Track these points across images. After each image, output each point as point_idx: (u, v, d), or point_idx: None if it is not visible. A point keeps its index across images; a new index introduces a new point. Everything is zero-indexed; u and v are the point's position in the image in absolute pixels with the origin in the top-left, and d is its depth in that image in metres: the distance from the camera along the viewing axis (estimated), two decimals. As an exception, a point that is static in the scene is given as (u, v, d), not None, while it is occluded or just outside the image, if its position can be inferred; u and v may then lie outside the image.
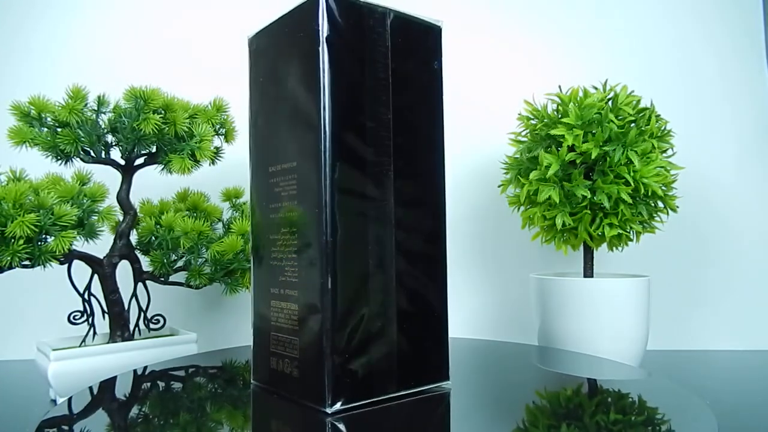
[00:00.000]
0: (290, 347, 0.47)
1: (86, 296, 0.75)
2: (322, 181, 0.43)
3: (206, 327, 0.99)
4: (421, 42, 0.49)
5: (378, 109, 0.46)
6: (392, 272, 0.46)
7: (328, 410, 0.42)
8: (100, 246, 0.74)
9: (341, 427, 0.41)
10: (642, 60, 1.05)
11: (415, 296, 0.48)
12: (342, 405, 0.43)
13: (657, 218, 0.80)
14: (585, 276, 0.82)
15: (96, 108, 0.73)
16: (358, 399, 0.44)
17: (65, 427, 0.43)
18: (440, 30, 0.51)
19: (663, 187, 0.77)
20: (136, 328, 0.77)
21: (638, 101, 0.78)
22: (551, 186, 0.76)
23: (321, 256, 0.43)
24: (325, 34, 0.44)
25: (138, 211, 0.79)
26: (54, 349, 0.67)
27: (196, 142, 0.74)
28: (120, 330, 0.75)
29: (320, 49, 0.44)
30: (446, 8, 1.07)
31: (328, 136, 0.43)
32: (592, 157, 0.73)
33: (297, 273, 0.46)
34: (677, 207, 0.80)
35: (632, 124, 0.77)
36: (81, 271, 0.74)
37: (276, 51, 0.49)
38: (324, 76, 0.43)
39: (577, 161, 0.76)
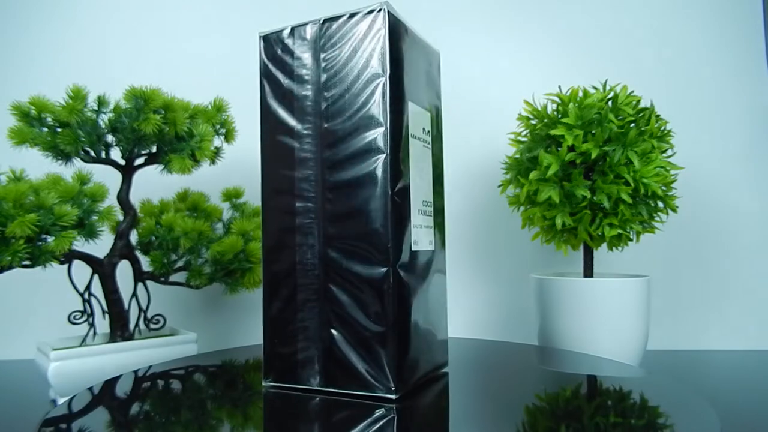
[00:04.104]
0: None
1: (86, 296, 0.75)
2: (261, 201, 0.53)
3: (206, 327, 0.99)
4: (365, 36, 0.48)
5: (305, 119, 0.50)
6: (319, 275, 0.50)
7: (263, 383, 0.52)
8: (100, 246, 0.74)
9: (261, 396, 0.50)
10: (642, 60, 1.05)
11: (352, 301, 0.48)
12: (271, 382, 0.51)
13: (657, 218, 0.80)
14: (585, 276, 0.82)
15: (96, 108, 0.73)
16: (285, 381, 0.51)
17: (65, 427, 0.43)
18: (381, 10, 0.47)
19: (663, 187, 0.77)
20: (136, 328, 0.77)
21: (638, 101, 0.78)
22: (551, 186, 0.76)
23: (263, 256, 0.53)
24: (262, 70, 0.52)
25: (138, 211, 0.79)
26: (54, 349, 0.67)
27: (196, 142, 0.74)
28: (120, 330, 0.75)
29: (262, 84, 0.52)
30: (446, 9, 1.07)
31: (267, 159, 0.52)
32: (592, 157, 0.73)
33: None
34: (677, 207, 0.80)
35: (632, 124, 0.77)
36: (81, 271, 0.74)
37: None
38: (264, 107, 0.52)
39: (577, 161, 0.76)
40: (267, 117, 0.52)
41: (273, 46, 0.52)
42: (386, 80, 0.47)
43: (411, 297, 0.49)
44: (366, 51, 0.48)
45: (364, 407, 0.45)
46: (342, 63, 0.49)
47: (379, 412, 0.44)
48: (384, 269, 0.47)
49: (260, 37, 0.52)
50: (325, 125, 0.49)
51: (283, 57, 0.52)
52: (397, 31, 0.48)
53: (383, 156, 0.47)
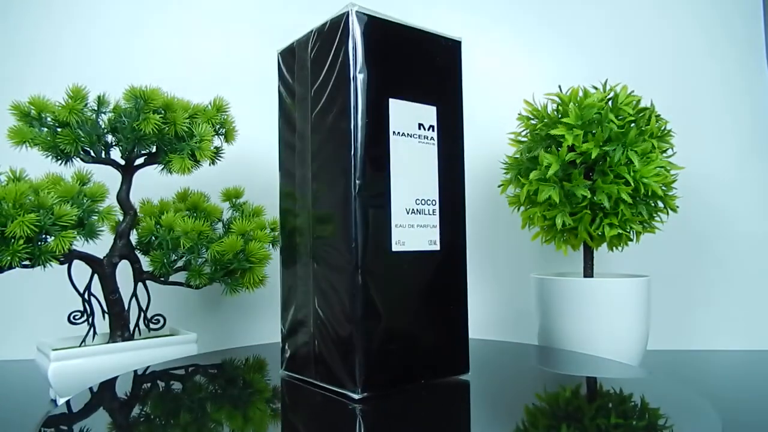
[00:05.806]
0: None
1: (86, 296, 0.75)
2: (279, 202, 0.57)
3: (206, 327, 0.99)
4: (336, 40, 0.49)
5: (303, 126, 0.53)
6: (309, 273, 0.51)
7: (279, 372, 0.57)
8: (100, 246, 0.73)
9: (276, 382, 0.55)
10: (642, 60, 1.05)
11: (329, 300, 0.49)
12: (286, 370, 0.56)
13: (657, 218, 0.80)
14: (585, 276, 0.82)
15: (96, 108, 0.73)
16: (293, 371, 0.54)
17: (65, 427, 0.43)
18: (347, 15, 0.47)
19: (663, 187, 0.77)
20: (136, 328, 0.77)
21: (638, 101, 0.78)
22: (551, 186, 0.76)
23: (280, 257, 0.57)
24: (279, 82, 0.57)
25: (138, 211, 0.79)
26: (54, 349, 0.67)
27: (196, 142, 0.74)
28: (120, 330, 0.75)
29: (280, 94, 0.57)
30: (445, 9, 1.07)
31: (281, 165, 0.57)
32: (592, 157, 0.73)
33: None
34: (677, 207, 0.80)
35: (632, 124, 0.77)
36: (81, 271, 0.74)
37: None
38: (279, 122, 0.57)
39: (577, 161, 0.76)
40: (282, 122, 0.56)
41: (285, 59, 0.56)
42: (355, 78, 0.47)
43: (387, 299, 0.48)
44: (340, 53, 0.48)
45: (336, 404, 0.46)
46: (326, 68, 0.50)
47: (340, 411, 0.45)
48: (350, 270, 0.46)
49: (278, 53, 0.58)
50: (313, 129, 0.51)
51: (292, 68, 0.55)
52: (375, 28, 0.48)
53: (350, 155, 0.46)
